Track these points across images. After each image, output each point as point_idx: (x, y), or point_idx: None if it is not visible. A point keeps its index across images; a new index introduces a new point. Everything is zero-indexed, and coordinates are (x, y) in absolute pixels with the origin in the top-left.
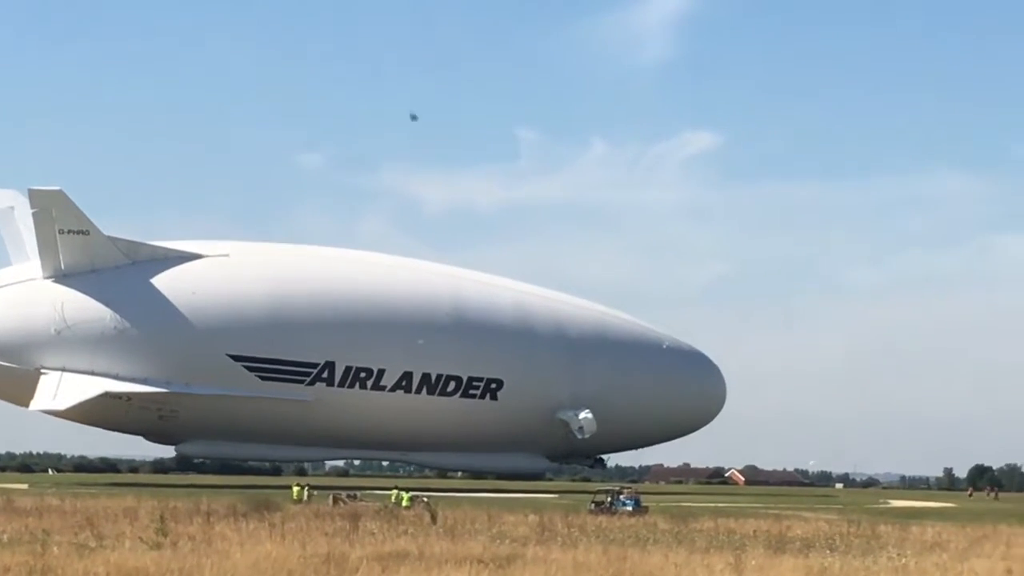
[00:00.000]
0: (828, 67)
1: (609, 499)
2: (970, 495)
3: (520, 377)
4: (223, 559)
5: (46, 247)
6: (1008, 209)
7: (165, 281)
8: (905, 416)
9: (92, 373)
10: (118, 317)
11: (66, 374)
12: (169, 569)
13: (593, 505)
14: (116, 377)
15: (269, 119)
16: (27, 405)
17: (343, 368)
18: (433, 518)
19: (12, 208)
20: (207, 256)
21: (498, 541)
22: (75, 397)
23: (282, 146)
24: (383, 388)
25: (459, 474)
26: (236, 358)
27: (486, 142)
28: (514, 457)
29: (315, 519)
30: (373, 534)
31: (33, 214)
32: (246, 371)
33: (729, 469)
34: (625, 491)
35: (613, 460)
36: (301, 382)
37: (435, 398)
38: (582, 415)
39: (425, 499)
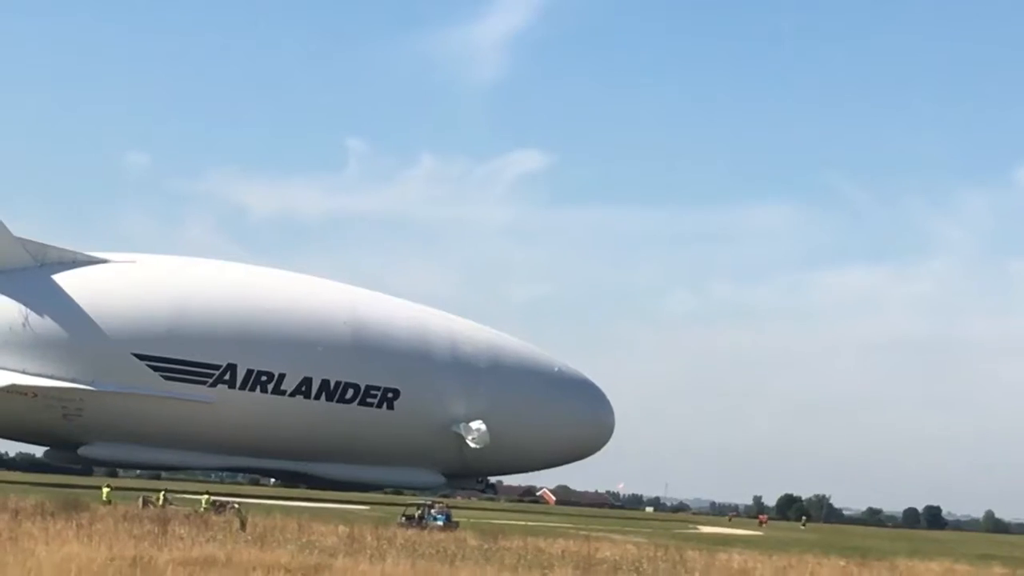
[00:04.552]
0: (656, 96)
1: (420, 513)
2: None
3: (416, 388)
4: (28, 557)
5: None
6: (821, 244)
7: (72, 282)
8: (717, 443)
9: None
10: (26, 316)
11: None
12: None
13: (404, 519)
14: (23, 372)
15: (96, 117)
16: None
17: (244, 371)
18: (243, 525)
19: None
20: (114, 261)
21: (307, 551)
22: None
23: (109, 145)
24: (283, 392)
25: (272, 481)
26: (141, 357)
27: (314, 150)
28: (411, 472)
29: (124, 521)
30: (182, 538)
31: None
32: (150, 370)
33: (541, 488)
34: (436, 505)
35: None
36: (204, 383)
37: (333, 404)
38: (475, 425)
39: (235, 505)
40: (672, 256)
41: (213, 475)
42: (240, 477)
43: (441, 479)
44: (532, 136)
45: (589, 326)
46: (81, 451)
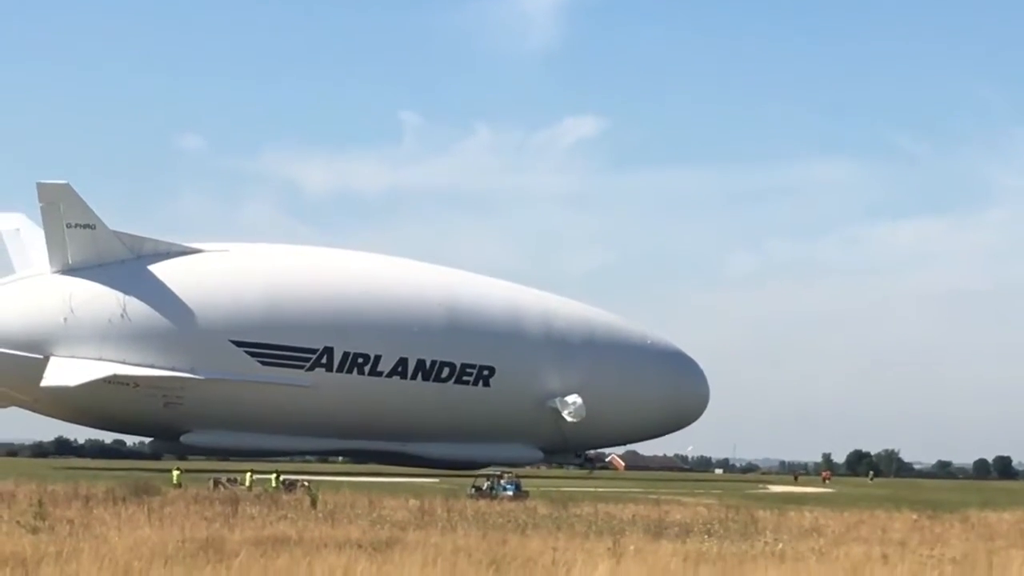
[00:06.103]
0: (712, 55)
1: (489, 484)
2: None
3: (511, 365)
4: (101, 543)
5: (54, 241)
6: (879, 197)
7: (168, 272)
8: (784, 402)
9: (100, 360)
10: (125, 308)
11: (76, 359)
12: (47, 553)
13: (473, 490)
14: (124, 363)
15: (149, 100)
16: (34, 395)
17: (341, 353)
18: (313, 502)
19: (18, 230)
20: (207, 251)
21: (378, 525)
22: (86, 375)
23: (162, 128)
24: (380, 374)
25: (340, 459)
26: (238, 344)
27: (369, 125)
28: (511, 447)
29: (194, 503)
30: (253, 518)
31: (41, 208)
32: (248, 356)
33: (609, 454)
34: (506, 476)
35: None
36: (301, 367)
37: (430, 384)
38: (571, 399)
39: (306, 483)
40: (731, 216)
41: None
42: (308, 455)
43: (539, 454)
44: (587, 102)
45: (650, 290)
46: (183, 439)
